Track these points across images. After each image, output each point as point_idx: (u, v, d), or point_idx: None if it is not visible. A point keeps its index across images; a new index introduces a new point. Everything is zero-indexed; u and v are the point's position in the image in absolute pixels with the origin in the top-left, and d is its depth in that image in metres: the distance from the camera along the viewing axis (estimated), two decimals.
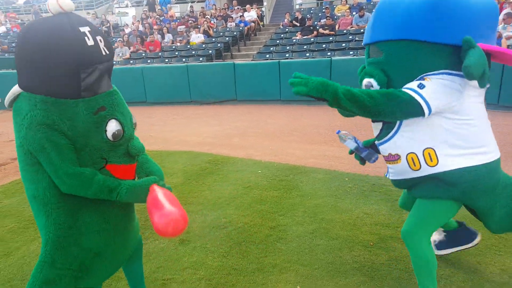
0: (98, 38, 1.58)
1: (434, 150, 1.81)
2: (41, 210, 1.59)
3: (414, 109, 1.72)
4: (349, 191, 3.71)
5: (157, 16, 15.74)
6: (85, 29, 1.54)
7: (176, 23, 14.76)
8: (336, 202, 3.48)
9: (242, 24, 13.60)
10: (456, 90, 1.74)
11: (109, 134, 1.60)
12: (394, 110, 1.73)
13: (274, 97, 9.31)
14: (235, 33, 13.08)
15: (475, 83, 1.73)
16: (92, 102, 1.57)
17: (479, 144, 1.84)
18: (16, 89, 1.56)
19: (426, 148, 1.82)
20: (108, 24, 15.80)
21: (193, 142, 5.98)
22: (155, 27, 14.04)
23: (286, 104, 9.22)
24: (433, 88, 1.72)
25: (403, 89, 1.76)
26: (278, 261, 2.58)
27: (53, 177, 1.53)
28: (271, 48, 11.13)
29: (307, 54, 10.11)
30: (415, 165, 1.86)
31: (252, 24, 13.95)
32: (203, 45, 12.21)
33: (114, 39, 13.57)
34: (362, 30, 10.78)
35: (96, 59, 1.56)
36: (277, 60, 9.25)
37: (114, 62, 10.76)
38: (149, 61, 11.22)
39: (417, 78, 1.80)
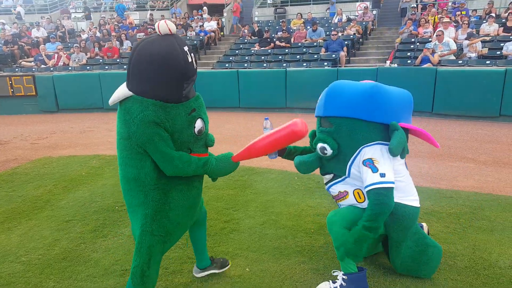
0: (192, 55, 1.97)
1: None
2: (140, 191, 1.98)
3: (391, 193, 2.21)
4: (297, 188, 4.06)
5: (115, 23, 15.61)
6: (186, 49, 1.93)
7: (135, 30, 14.73)
8: (285, 197, 3.82)
9: (202, 34, 13.87)
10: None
11: (196, 130, 2.03)
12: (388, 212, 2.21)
13: (233, 105, 9.63)
14: (195, 42, 13.30)
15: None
16: (187, 105, 1.98)
17: (409, 193, 2.39)
18: (125, 92, 1.91)
19: None
20: (64, 29, 15.43)
21: None
22: (113, 33, 13.93)
23: (245, 111, 9.58)
24: (386, 167, 2.20)
25: (372, 188, 2.18)
26: (230, 249, 2.84)
27: (159, 162, 1.92)
28: (231, 58, 11.47)
29: (264, 65, 10.55)
30: (360, 198, 2.33)
31: (212, 34, 14.25)
32: None
33: (69, 44, 13.29)
34: (315, 44, 11.43)
35: (193, 73, 1.97)
36: (236, 70, 9.59)
37: (69, 68, 10.64)
38: (106, 67, 11.13)
39: (359, 150, 2.26)
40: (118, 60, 11.75)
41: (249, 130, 7.30)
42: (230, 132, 7.24)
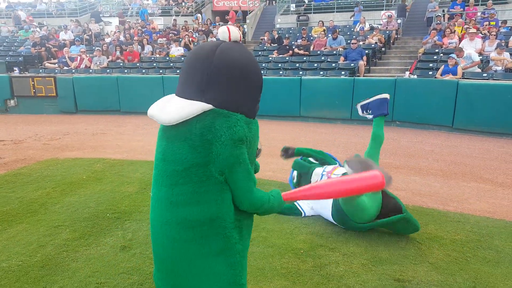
0: None
1: None
2: (219, 234, 1.50)
3: None
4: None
5: (139, 28, 15.93)
6: None
7: (158, 35, 14.97)
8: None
9: None
10: None
11: (257, 151, 1.74)
12: None
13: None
14: None
15: None
16: (256, 122, 1.63)
17: None
18: (201, 105, 1.46)
19: None
20: (90, 33, 15.88)
21: None
22: (135, 38, 14.21)
23: (259, 118, 9.38)
24: None
25: None
26: None
27: (240, 191, 1.50)
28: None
29: (281, 72, 10.43)
30: None
31: None
32: (182, 58, 12.41)
33: (93, 48, 13.63)
34: (334, 52, 11.22)
35: None
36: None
37: (90, 71, 10.87)
38: (126, 71, 11.32)
39: None
40: (138, 64, 11.94)
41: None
42: None
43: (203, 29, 15.00)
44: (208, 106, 1.46)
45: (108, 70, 11.41)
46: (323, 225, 3.40)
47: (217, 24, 15.82)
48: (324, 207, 3.39)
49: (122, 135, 7.57)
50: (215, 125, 1.44)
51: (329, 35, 12.06)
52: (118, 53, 12.68)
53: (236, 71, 1.48)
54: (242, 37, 1.65)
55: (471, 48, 9.13)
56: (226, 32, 1.53)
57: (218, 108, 1.47)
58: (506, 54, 8.53)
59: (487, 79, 7.84)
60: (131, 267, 2.73)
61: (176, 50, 12.96)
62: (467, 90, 7.43)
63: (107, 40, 14.68)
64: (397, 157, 5.78)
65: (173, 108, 1.46)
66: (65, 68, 11.77)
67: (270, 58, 11.64)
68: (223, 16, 18.21)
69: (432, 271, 2.68)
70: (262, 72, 8.36)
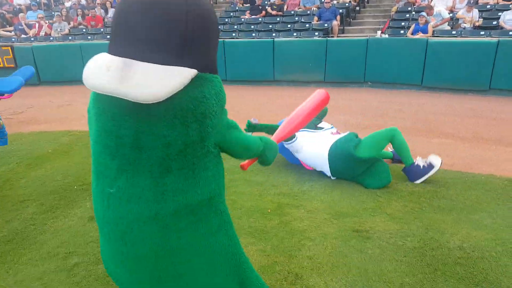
0: None
1: None
2: (217, 210, 1.34)
3: None
4: (267, 167, 3.98)
5: None
6: None
7: None
8: (250, 176, 3.74)
9: None
10: None
11: None
12: None
13: (220, 77, 9.38)
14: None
15: None
16: None
17: None
18: (186, 72, 1.15)
19: None
20: None
21: None
22: (98, 1, 13.46)
23: (232, 84, 9.36)
24: None
25: None
26: None
27: (240, 150, 1.38)
28: (219, 27, 11.07)
29: (253, 34, 10.21)
30: None
31: None
32: None
33: (53, 13, 12.87)
34: (308, 12, 11.01)
35: None
36: (222, 40, 9.28)
37: (51, 38, 10.31)
38: (89, 37, 10.82)
39: None
40: (102, 30, 11.40)
41: (230, 106, 7.14)
42: None
43: None
44: (194, 72, 1.18)
45: (70, 37, 10.86)
46: (291, 185, 3.50)
47: None
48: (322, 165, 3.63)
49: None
50: (205, 93, 1.21)
51: None
52: (79, 18, 12.05)
53: (211, 23, 1.22)
54: None
55: (442, 5, 9.15)
56: None
57: (201, 72, 1.22)
58: (475, 11, 8.61)
59: (456, 37, 7.95)
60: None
61: None
62: (436, 48, 7.53)
63: (67, 4, 13.87)
64: (366, 118, 5.90)
65: (152, 79, 1.10)
66: (23, 36, 11.12)
67: (242, 20, 11.34)
68: None
69: (389, 221, 2.84)
70: (233, 34, 8.07)
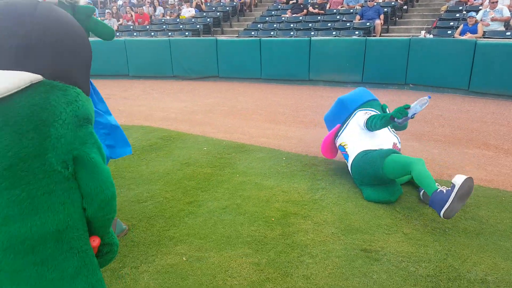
0: None
1: None
2: (72, 249, 1.12)
3: None
4: (280, 170, 3.81)
5: None
6: None
7: None
8: (262, 180, 3.59)
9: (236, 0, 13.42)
10: None
11: None
12: None
13: (255, 75, 9.32)
14: (227, 8, 12.92)
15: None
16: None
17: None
18: (25, 76, 1.11)
19: None
20: None
21: (157, 117, 6.09)
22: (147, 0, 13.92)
23: (266, 82, 9.25)
24: None
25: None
26: (177, 235, 2.72)
27: (96, 183, 1.15)
28: (259, 25, 11.01)
29: (291, 33, 10.00)
30: None
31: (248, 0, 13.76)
32: (193, 20, 12.11)
33: (106, 11, 13.48)
34: (351, 10, 10.59)
35: None
36: (258, 38, 9.19)
37: None
38: (135, 34, 11.20)
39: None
40: (147, 27, 11.76)
41: (259, 105, 7.03)
42: (240, 105, 7.02)
43: None
44: (37, 77, 1.10)
45: (117, 34, 11.30)
46: (302, 192, 3.31)
47: None
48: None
49: (126, 99, 7.58)
50: (50, 100, 1.09)
51: None
52: (131, 15, 12.53)
53: (66, 36, 1.17)
54: None
55: (503, 3, 8.39)
56: None
57: (49, 80, 1.13)
58: None
59: (510, 38, 7.21)
60: None
61: (187, 12, 12.64)
62: (485, 50, 6.87)
63: (120, 2, 14.49)
64: None
65: None
66: None
67: (283, 18, 11.16)
68: None
69: (404, 241, 2.57)
70: (272, 33, 8.23)
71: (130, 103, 7.21)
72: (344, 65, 8.39)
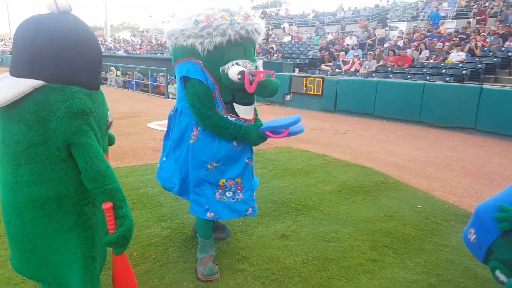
0: None
1: None
2: (69, 211, 1.57)
3: None
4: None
5: (423, 32, 15.12)
6: None
7: (441, 39, 13.72)
8: (475, 265, 2.74)
9: None
10: None
11: (109, 122, 1.91)
12: None
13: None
14: (509, 54, 10.93)
15: None
16: (102, 94, 1.81)
17: None
18: (29, 82, 1.48)
19: None
20: (375, 38, 16.44)
21: (382, 160, 5.79)
22: (415, 42, 13.60)
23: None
24: None
25: None
26: None
27: (86, 163, 1.52)
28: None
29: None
30: None
31: None
32: (460, 64, 10.91)
33: (368, 52, 14.11)
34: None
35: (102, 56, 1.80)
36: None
37: (358, 74, 11.57)
38: (391, 75, 11.15)
39: None
40: (406, 70, 11.48)
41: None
42: (492, 166, 5.68)
43: (502, 32, 12.48)
44: (39, 83, 1.48)
45: (373, 74, 11.61)
46: None
47: None
48: None
49: (360, 137, 7.62)
50: (48, 100, 1.47)
51: None
52: (391, 58, 12.63)
53: (66, 43, 1.50)
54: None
55: None
56: (53, 3, 1.52)
57: (50, 83, 1.49)
58: None
59: None
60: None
61: (456, 56, 11.52)
62: None
63: (386, 45, 14.85)
64: None
65: (3, 88, 1.46)
66: (337, 70, 12.90)
67: None
68: None
69: None
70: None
71: (362, 141, 7.20)
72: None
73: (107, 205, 1.54)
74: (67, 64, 1.53)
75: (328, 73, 12.77)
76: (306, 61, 15.08)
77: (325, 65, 13.98)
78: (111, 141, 2.10)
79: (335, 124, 9.12)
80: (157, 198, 3.86)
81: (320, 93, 11.20)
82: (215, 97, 2.34)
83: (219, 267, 2.61)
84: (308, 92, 11.50)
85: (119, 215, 1.55)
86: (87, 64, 1.59)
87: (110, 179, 1.54)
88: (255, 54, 2.51)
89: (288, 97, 12.30)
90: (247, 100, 2.43)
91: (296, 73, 13.00)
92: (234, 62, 2.27)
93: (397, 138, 7.68)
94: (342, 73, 12.37)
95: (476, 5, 17.99)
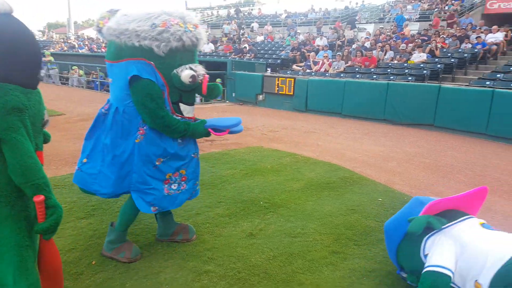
0: None
1: None
2: (2, 202, 1.69)
3: None
4: None
5: (388, 34, 15.71)
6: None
7: (405, 41, 14.33)
8: None
9: (479, 46, 11.90)
10: None
11: (45, 120, 1.95)
12: None
13: (479, 130, 7.94)
14: (466, 54, 11.61)
15: None
16: (40, 93, 1.89)
17: None
18: None
19: None
20: (344, 39, 16.87)
21: (348, 157, 6.09)
22: (380, 44, 14.14)
23: (493, 140, 7.71)
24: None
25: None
26: (308, 281, 2.66)
27: (13, 158, 1.63)
28: (498, 75, 9.34)
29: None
30: None
31: (494, 47, 11.98)
32: (421, 65, 11.49)
33: (337, 53, 14.51)
34: None
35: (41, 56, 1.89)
36: (491, 89, 7.80)
37: (327, 74, 11.94)
38: (358, 76, 11.58)
39: None
40: (372, 70, 11.95)
41: (469, 165, 5.91)
42: (446, 160, 6.10)
43: (460, 34, 13.20)
44: None
45: (342, 75, 12.02)
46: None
47: (477, 28, 13.54)
48: None
49: (328, 136, 7.93)
50: None
51: None
52: (358, 58, 13.09)
53: (5, 41, 1.61)
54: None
55: None
56: None
57: None
58: None
59: None
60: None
61: (418, 56, 12.11)
62: None
63: (354, 46, 15.33)
64: None
65: None
66: (308, 70, 13.24)
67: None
68: (497, 20, 15.14)
69: None
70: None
71: (330, 140, 7.50)
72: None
73: (39, 198, 1.66)
74: (2, 63, 1.65)
75: (299, 73, 13.09)
76: (278, 61, 15.35)
77: (296, 65, 14.30)
78: (46, 139, 2.14)
79: (305, 124, 9.39)
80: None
81: (291, 93, 11.48)
82: (163, 97, 2.55)
83: (184, 271, 2.68)
84: (280, 92, 11.76)
85: (49, 205, 1.69)
86: (23, 64, 1.70)
87: (38, 174, 1.66)
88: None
89: (260, 97, 12.51)
90: (191, 100, 2.73)
91: (268, 73, 13.24)
92: (188, 66, 2.55)
93: (363, 136, 8.04)
94: (313, 74, 12.71)
95: (436, 8, 18.84)
